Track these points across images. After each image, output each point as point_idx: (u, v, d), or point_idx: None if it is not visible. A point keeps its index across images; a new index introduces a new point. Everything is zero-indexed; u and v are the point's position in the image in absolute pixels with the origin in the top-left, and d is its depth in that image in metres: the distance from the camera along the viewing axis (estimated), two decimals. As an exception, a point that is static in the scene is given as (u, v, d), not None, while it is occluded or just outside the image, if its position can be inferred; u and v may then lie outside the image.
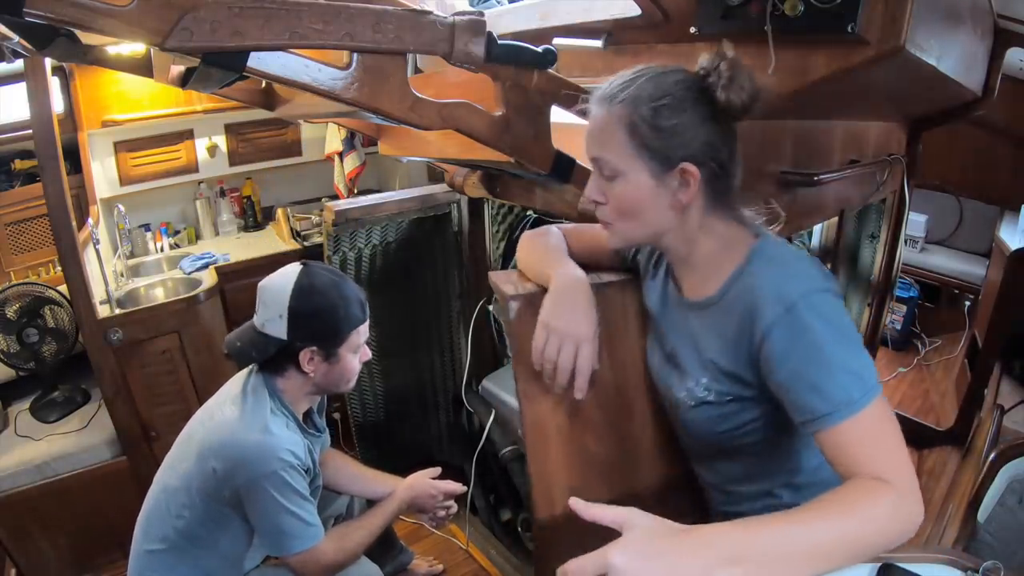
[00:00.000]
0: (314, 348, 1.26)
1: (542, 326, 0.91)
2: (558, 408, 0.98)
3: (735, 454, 0.92)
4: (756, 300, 0.78)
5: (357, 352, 1.33)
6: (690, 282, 0.91)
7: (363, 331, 1.32)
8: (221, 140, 3.11)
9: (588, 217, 1.35)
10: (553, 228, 1.10)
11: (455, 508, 1.57)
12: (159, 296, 2.64)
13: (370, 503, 1.55)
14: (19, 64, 1.54)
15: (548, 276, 0.96)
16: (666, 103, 0.78)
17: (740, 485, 0.96)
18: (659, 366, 0.99)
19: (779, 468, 0.92)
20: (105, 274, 2.27)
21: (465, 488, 1.61)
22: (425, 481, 1.53)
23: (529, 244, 1.08)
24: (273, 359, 1.28)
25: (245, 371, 1.35)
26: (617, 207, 0.85)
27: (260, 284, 1.29)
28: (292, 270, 1.28)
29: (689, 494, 1.06)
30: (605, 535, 0.62)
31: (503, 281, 1.02)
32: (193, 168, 3.06)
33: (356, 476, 1.58)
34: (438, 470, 1.58)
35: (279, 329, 1.24)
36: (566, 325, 0.90)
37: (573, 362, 0.90)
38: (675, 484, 1.08)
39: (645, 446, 1.06)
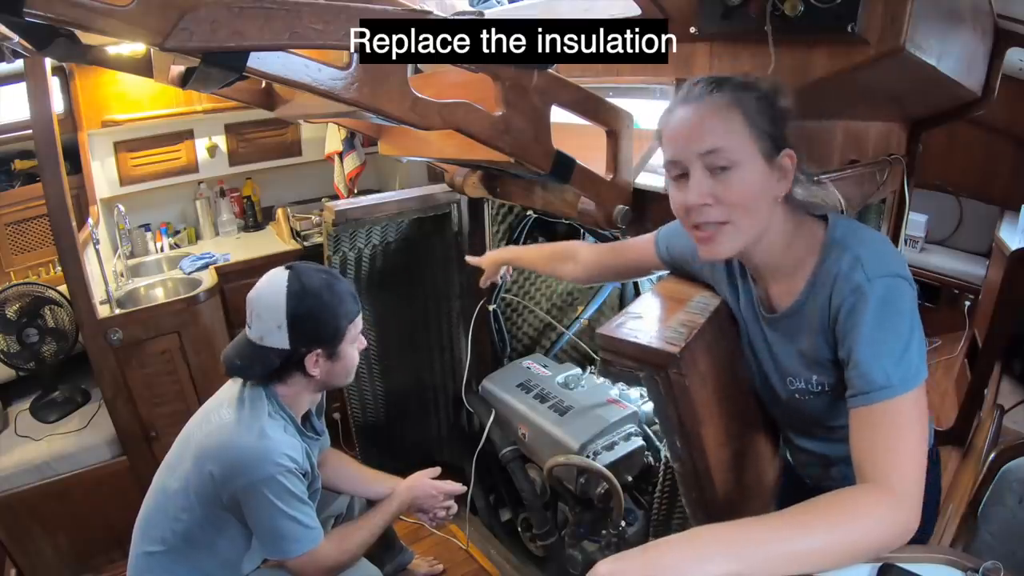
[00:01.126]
0: (319, 351, 1.26)
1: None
2: (724, 441, 0.96)
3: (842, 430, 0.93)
4: (833, 285, 0.80)
5: (355, 343, 1.34)
6: (777, 290, 0.90)
7: (359, 322, 1.33)
8: (221, 140, 3.11)
9: (588, 217, 1.36)
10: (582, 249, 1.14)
11: (455, 508, 1.57)
12: (159, 296, 2.64)
13: (370, 503, 1.55)
14: (19, 64, 1.54)
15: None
16: (770, 89, 0.80)
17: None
18: (758, 370, 0.99)
19: None
20: (105, 274, 2.27)
21: (465, 488, 1.61)
22: (425, 481, 1.53)
23: None
24: (277, 369, 1.27)
25: None
26: (734, 202, 0.78)
27: (250, 296, 1.26)
28: (279, 277, 1.25)
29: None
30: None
31: (640, 334, 0.87)
32: (193, 168, 3.06)
33: (356, 476, 1.57)
34: (438, 470, 1.58)
35: (280, 340, 1.23)
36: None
37: None
38: (776, 464, 1.12)
39: (760, 437, 1.08)
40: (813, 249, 0.85)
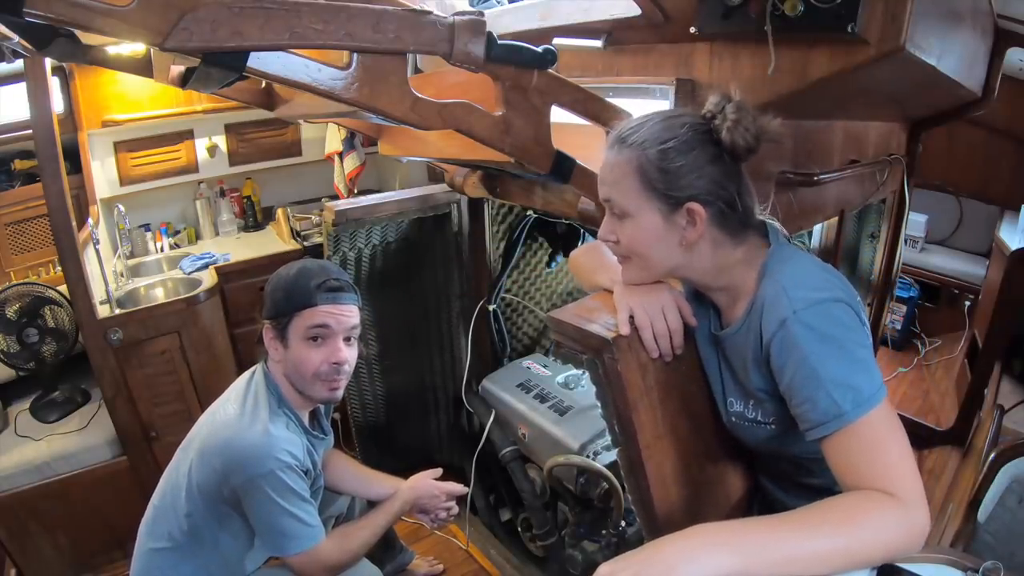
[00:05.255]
0: (267, 323, 1.29)
1: (623, 303, 0.90)
2: (662, 434, 0.95)
3: (792, 458, 0.94)
4: (761, 318, 0.80)
5: (311, 343, 1.25)
6: (727, 311, 0.92)
7: (313, 316, 1.24)
8: (221, 140, 3.11)
9: (588, 217, 1.36)
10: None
11: (456, 509, 1.57)
12: (159, 296, 2.65)
13: (371, 504, 1.55)
14: (19, 64, 1.54)
15: (613, 278, 0.97)
16: (672, 145, 0.81)
17: (805, 479, 0.97)
18: (709, 387, 1.00)
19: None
20: (105, 274, 2.27)
21: (467, 489, 1.61)
22: (427, 482, 1.54)
23: (590, 253, 1.12)
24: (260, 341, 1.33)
25: (251, 369, 1.36)
26: (628, 246, 0.87)
27: None
28: None
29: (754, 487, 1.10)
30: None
31: (583, 321, 0.91)
32: (193, 168, 3.06)
33: (358, 477, 1.58)
34: (439, 471, 1.58)
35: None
36: (645, 294, 0.90)
37: (666, 324, 0.89)
38: (746, 478, 1.11)
39: (721, 445, 1.07)
40: (754, 275, 0.85)
